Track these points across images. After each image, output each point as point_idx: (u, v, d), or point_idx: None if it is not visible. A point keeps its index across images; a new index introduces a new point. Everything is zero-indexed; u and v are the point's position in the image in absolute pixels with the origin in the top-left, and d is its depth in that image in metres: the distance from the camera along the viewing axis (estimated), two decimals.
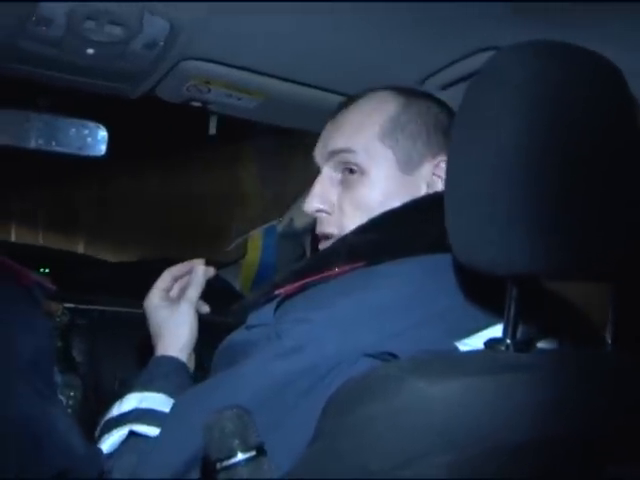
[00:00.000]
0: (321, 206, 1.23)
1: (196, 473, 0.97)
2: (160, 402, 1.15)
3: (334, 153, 1.22)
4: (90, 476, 1.01)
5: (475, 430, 0.79)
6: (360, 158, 1.19)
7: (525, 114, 0.80)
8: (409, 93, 1.25)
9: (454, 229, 0.88)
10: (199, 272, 1.34)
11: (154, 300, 1.30)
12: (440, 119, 1.23)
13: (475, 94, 0.88)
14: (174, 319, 1.28)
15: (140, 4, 1.20)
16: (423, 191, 1.19)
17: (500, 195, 0.81)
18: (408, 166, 1.19)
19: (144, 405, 1.15)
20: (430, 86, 1.48)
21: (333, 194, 1.23)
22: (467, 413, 0.79)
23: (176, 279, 1.36)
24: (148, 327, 1.32)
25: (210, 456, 0.78)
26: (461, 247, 0.88)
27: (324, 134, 1.27)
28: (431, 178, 1.20)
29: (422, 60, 1.41)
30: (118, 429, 1.13)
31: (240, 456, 0.76)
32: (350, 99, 1.27)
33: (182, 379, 1.22)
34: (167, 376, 1.22)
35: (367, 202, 1.18)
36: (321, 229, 1.25)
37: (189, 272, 1.36)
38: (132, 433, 1.11)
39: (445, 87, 1.47)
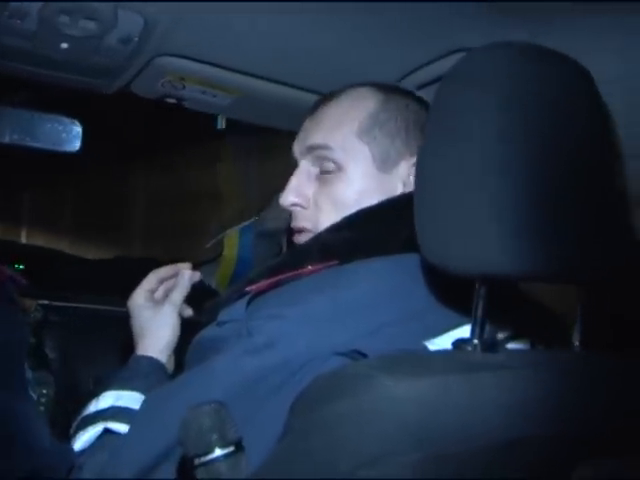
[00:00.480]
0: (296, 200, 1.23)
1: (166, 469, 0.97)
2: (137, 401, 1.15)
3: (312, 148, 1.22)
4: (60, 473, 1.00)
5: (442, 429, 0.79)
6: (337, 154, 1.19)
7: (495, 114, 0.81)
8: (389, 90, 1.25)
9: (422, 229, 0.88)
10: (185, 276, 1.35)
11: (138, 300, 1.31)
12: (420, 116, 1.22)
13: (446, 94, 0.88)
14: (157, 320, 1.29)
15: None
16: (399, 190, 1.20)
17: (469, 195, 0.82)
18: (385, 164, 1.19)
19: (120, 403, 1.16)
20: (407, 84, 1.48)
21: (309, 189, 1.23)
22: (434, 412, 0.79)
23: (162, 281, 1.36)
24: (127, 325, 1.33)
25: (188, 452, 0.77)
26: (429, 247, 0.88)
27: (303, 128, 1.27)
28: (407, 178, 1.20)
29: (397, 60, 1.42)
30: (93, 426, 1.13)
31: (218, 452, 0.76)
32: (330, 94, 1.27)
33: (160, 380, 1.22)
34: (146, 376, 1.22)
35: (343, 199, 1.19)
36: (295, 223, 1.25)
37: (175, 275, 1.36)
38: (107, 431, 1.12)
39: (420, 87, 1.47)
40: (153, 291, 1.34)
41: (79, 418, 1.16)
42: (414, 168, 1.15)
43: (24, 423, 0.94)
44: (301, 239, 1.24)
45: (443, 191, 0.85)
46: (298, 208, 1.24)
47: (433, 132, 0.89)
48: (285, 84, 1.53)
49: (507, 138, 0.80)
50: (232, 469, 0.75)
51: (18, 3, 1.18)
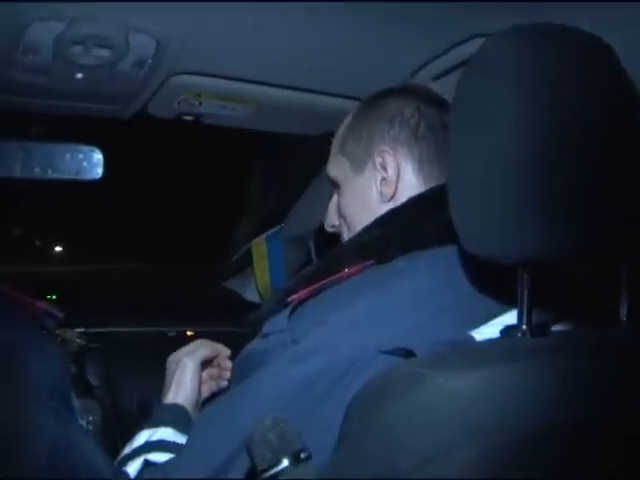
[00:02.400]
0: (332, 222, 1.34)
1: None
2: (169, 434, 1.19)
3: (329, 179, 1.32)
4: None
5: (499, 420, 0.78)
6: (331, 174, 1.30)
7: (521, 99, 0.80)
8: (371, 97, 1.29)
9: (460, 221, 0.88)
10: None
11: (189, 365, 1.35)
12: (392, 113, 1.23)
13: (468, 83, 0.88)
14: (195, 386, 1.35)
15: (125, 24, 1.20)
16: (377, 185, 1.22)
17: (504, 183, 0.81)
18: (358, 166, 1.25)
19: (155, 438, 1.19)
20: (422, 78, 1.48)
21: (336, 210, 1.32)
22: (490, 404, 0.79)
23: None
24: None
25: (256, 468, 0.77)
26: (468, 238, 0.87)
27: None
28: (380, 170, 1.22)
29: (412, 52, 1.41)
30: (132, 461, 1.15)
31: (285, 463, 0.75)
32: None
33: (189, 422, 1.25)
34: (176, 415, 1.27)
35: (343, 210, 1.28)
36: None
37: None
38: (147, 463, 1.14)
39: (437, 77, 1.47)
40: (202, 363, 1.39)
41: (117, 460, 1.18)
42: (380, 159, 1.21)
43: (84, 452, 0.95)
44: None
45: (476, 181, 0.84)
46: (335, 229, 1.35)
47: (460, 123, 0.89)
48: (302, 89, 1.54)
49: (536, 121, 0.80)
50: (302, 477, 0.75)
51: (31, 38, 1.19)
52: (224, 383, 1.45)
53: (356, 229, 1.21)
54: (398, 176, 1.20)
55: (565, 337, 0.96)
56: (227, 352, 1.46)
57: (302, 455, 0.76)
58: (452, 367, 0.80)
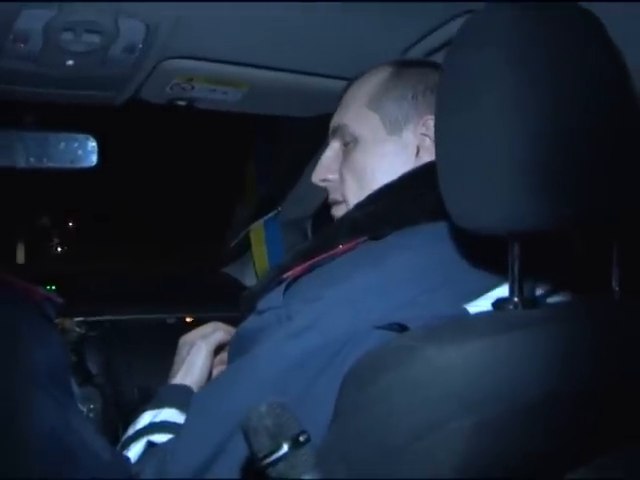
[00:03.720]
0: (325, 175, 1.32)
1: (226, 463, 0.98)
2: (173, 415, 1.19)
3: (335, 129, 1.30)
4: None
5: (492, 391, 0.79)
6: (352, 128, 1.26)
7: (508, 70, 0.81)
8: (403, 63, 1.30)
9: (449, 195, 0.88)
10: None
11: (202, 349, 1.35)
12: (431, 81, 1.24)
13: (455, 58, 0.88)
14: (205, 369, 1.34)
15: (114, 8, 1.20)
16: (414, 151, 1.22)
17: (489, 155, 0.82)
18: (394, 127, 1.24)
19: (158, 419, 1.19)
20: (413, 55, 1.48)
21: (336, 163, 1.30)
22: (482, 375, 0.79)
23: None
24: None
25: (257, 454, 0.77)
26: (458, 212, 0.88)
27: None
28: (421, 138, 1.23)
29: (403, 30, 1.41)
30: (135, 442, 1.16)
31: (285, 448, 0.75)
32: (352, 79, 1.33)
33: None
34: (181, 396, 1.26)
35: (361, 167, 1.25)
36: (330, 196, 1.33)
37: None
38: (150, 445, 1.15)
39: (429, 55, 1.47)
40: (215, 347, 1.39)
41: (121, 441, 1.19)
42: (424, 128, 1.22)
43: (83, 436, 0.95)
44: (336, 212, 1.31)
45: (463, 154, 0.85)
46: (328, 183, 1.32)
47: (446, 97, 0.89)
48: (293, 71, 1.54)
49: (522, 93, 0.80)
50: (304, 460, 0.75)
51: (21, 27, 1.19)
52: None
53: (372, 189, 1.20)
54: None
55: (557, 308, 0.97)
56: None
57: (301, 438, 0.76)
58: (444, 339, 0.81)
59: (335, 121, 1.31)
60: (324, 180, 1.33)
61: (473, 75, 0.84)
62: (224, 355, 1.41)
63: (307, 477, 0.75)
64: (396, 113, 1.24)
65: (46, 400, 0.89)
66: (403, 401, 0.79)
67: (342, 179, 1.28)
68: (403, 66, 1.28)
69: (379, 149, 1.24)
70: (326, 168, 1.32)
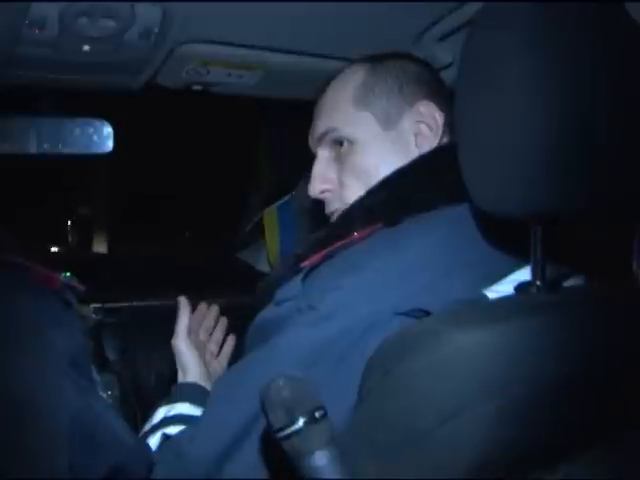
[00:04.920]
0: (323, 186, 1.28)
1: (248, 447, 0.98)
2: (186, 408, 1.23)
3: (321, 136, 1.28)
4: (142, 469, 1.02)
5: (516, 374, 0.79)
6: (344, 131, 1.24)
7: (529, 52, 0.80)
8: (376, 58, 1.28)
9: (471, 178, 0.88)
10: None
11: (179, 348, 1.40)
12: (410, 70, 1.26)
13: (475, 41, 0.87)
14: (194, 360, 1.39)
15: None
16: (412, 141, 1.22)
17: (512, 138, 0.81)
18: (389, 122, 1.23)
19: (172, 413, 1.22)
20: (428, 39, 1.47)
21: (332, 172, 1.27)
22: (507, 358, 0.79)
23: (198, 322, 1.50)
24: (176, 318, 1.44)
25: (272, 426, 0.77)
26: (480, 195, 0.88)
27: (312, 123, 1.32)
28: (416, 126, 1.22)
29: (417, 14, 1.40)
30: (151, 436, 1.18)
31: (302, 421, 0.75)
32: (324, 83, 1.31)
33: (206, 395, 1.27)
34: (191, 391, 1.30)
35: (362, 167, 1.22)
36: (328, 209, 1.30)
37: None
38: (166, 437, 1.16)
39: (443, 38, 1.46)
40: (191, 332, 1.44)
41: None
42: (418, 115, 1.22)
43: (106, 422, 0.96)
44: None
45: (486, 137, 0.84)
46: (327, 194, 1.29)
47: (467, 81, 0.89)
48: (308, 54, 1.53)
49: (544, 75, 0.79)
50: (318, 436, 0.75)
51: (37, 12, 1.19)
52: (216, 337, 1.53)
53: (363, 190, 1.19)
54: (438, 130, 1.21)
55: (579, 292, 0.97)
56: (201, 309, 1.54)
57: (317, 414, 0.76)
58: (468, 323, 0.81)
59: (320, 128, 1.28)
60: (323, 191, 1.29)
61: (494, 57, 0.83)
62: (197, 339, 1.46)
63: (320, 453, 0.74)
64: (387, 107, 1.23)
65: (68, 385, 0.90)
66: (428, 385, 0.79)
67: (342, 185, 1.25)
68: (376, 61, 1.27)
69: (378, 146, 1.22)
70: (322, 179, 1.28)
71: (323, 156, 1.29)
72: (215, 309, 1.57)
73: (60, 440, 0.85)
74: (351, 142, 1.23)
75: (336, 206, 1.27)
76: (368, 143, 1.23)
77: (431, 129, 1.21)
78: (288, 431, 0.75)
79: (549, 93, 0.79)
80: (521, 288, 0.89)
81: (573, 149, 0.80)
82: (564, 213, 0.84)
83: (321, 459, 0.74)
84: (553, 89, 0.79)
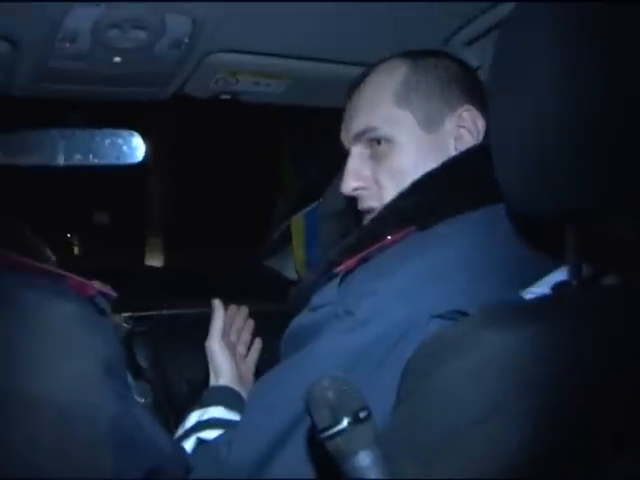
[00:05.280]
0: (357, 184, 1.26)
1: (289, 452, 0.99)
2: (220, 412, 1.22)
3: (358, 135, 1.25)
4: (179, 472, 1.03)
5: (552, 375, 0.79)
6: (383, 130, 1.22)
7: (563, 55, 0.80)
8: (416, 54, 1.26)
9: (506, 180, 0.88)
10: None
11: (213, 349, 1.41)
12: (452, 72, 1.24)
13: (508, 42, 0.88)
14: (227, 363, 1.40)
15: (161, 5, 1.21)
16: (452, 145, 1.20)
17: (547, 139, 0.81)
18: (430, 124, 1.21)
19: (205, 417, 1.22)
20: (455, 44, 1.48)
21: (366, 169, 1.25)
22: (543, 359, 0.79)
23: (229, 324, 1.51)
24: (206, 325, 1.45)
25: (316, 427, 0.77)
26: (514, 196, 0.88)
27: (345, 117, 1.30)
28: (457, 131, 1.21)
29: (445, 19, 1.41)
30: (185, 441, 1.18)
31: (346, 422, 0.75)
32: (361, 76, 1.29)
33: (238, 399, 1.29)
34: (223, 395, 1.31)
35: (400, 169, 1.20)
36: (362, 205, 1.28)
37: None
38: (200, 442, 1.17)
39: (470, 42, 1.46)
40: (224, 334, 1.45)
41: None
42: (460, 120, 1.20)
43: (144, 427, 0.96)
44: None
45: (519, 137, 0.84)
46: (361, 191, 1.27)
47: (500, 82, 0.89)
48: (336, 62, 1.54)
49: (576, 75, 0.79)
50: (362, 437, 0.75)
51: (69, 26, 1.21)
52: (244, 338, 1.54)
53: (399, 190, 1.18)
54: (478, 135, 1.19)
55: (615, 291, 0.96)
56: (233, 311, 1.56)
57: (361, 414, 0.76)
58: (504, 324, 0.81)
59: (358, 125, 1.25)
60: (356, 189, 1.27)
61: (527, 58, 0.83)
62: (228, 341, 1.46)
63: (364, 453, 0.74)
64: (428, 109, 1.21)
65: (107, 391, 0.91)
66: (465, 386, 0.79)
67: (379, 184, 1.23)
68: (417, 58, 1.25)
69: (417, 148, 1.20)
70: (356, 176, 1.26)
71: (358, 153, 1.26)
72: (245, 310, 1.58)
73: (103, 444, 0.86)
74: (389, 142, 1.21)
75: (371, 204, 1.25)
76: (407, 145, 1.20)
77: (472, 134, 1.20)
78: (332, 431, 0.75)
79: (581, 93, 0.79)
80: (558, 288, 0.89)
81: (605, 148, 0.80)
82: (598, 212, 0.84)
83: (364, 459, 0.74)
84: (585, 88, 0.79)
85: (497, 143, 0.89)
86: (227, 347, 1.41)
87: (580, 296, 0.86)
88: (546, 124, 0.81)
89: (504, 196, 0.88)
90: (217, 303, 1.48)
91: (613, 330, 0.83)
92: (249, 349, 1.54)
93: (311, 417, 0.77)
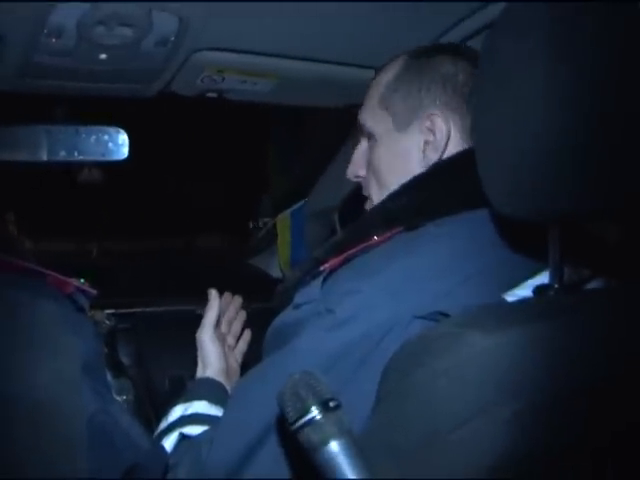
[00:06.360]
0: (356, 172, 1.33)
1: (268, 450, 0.99)
2: (204, 407, 1.22)
3: (361, 127, 1.30)
4: (158, 471, 1.02)
5: (535, 377, 0.79)
6: (368, 126, 1.26)
7: (549, 57, 0.80)
8: (418, 52, 1.25)
9: (488, 181, 0.88)
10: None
11: (203, 340, 1.40)
12: (441, 72, 1.22)
13: (495, 45, 0.88)
14: (215, 354, 1.39)
15: (147, 2, 1.20)
16: (421, 147, 1.20)
17: (530, 142, 0.82)
18: (402, 124, 1.22)
19: (189, 412, 1.21)
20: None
21: (364, 160, 1.30)
22: (526, 361, 0.80)
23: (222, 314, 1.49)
24: (193, 322, 1.43)
25: (288, 419, 0.77)
26: (498, 198, 0.88)
27: None
28: (426, 132, 1.20)
29: (434, 18, 1.40)
30: (168, 435, 1.18)
31: (315, 411, 0.76)
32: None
33: (223, 393, 1.29)
34: (208, 388, 1.30)
35: (377, 165, 1.25)
36: (364, 191, 1.33)
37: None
38: (183, 437, 1.16)
39: (461, 42, 1.46)
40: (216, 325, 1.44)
41: (154, 436, 1.21)
42: (429, 123, 1.19)
43: (122, 425, 0.96)
44: (367, 206, 1.31)
45: (504, 141, 0.85)
46: (360, 179, 1.33)
47: (484, 86, 0.89)
48: (323, 61, 1.54)
49: (562, 79, 0.80)
50: (332, 426, 0.75)
51: (55, 21, 1.20)
52: (235, 329, 1.54)
53: (389, 187, 1.20)
54: (446, 142, 1.18)
55: (597, 294, 0.97)
56: (228, 301, 1.55)
57: (331, 404, 0.76)
58: (488, 326, 0.81)
59: (360, 117, 1.30)
60: (356, 176, 1.34)
61: (512, 61, 0.84)
62: (218, 332, 1.45)
63: (335, 443, 0.74)
64: (402, 109, 1.22)
65: (85, 389, 0.90)
66: (447, 387, 0.79)
67: (367, 176, 1.30)
68: (415, 56, 1.25)
69: (391, 147, 1.23)
70: (356, 164, 1.33)
71: (362, 144, 1.32)
72: (239, 301, 1.58)
73: (79, 443, 0.86)
74: (372, 138, 1.26)
75: (365, 192, 1.31)
76: (384, 143, 1.24)
77: (439, 139, 1.18)
78: (302, 421, 0.75)
79: (567, 97, 0.80)
80: (539, 291, 0.89)
81: (588, 150, 0.80)
82: (580, 214, 0.84)
83: (335, 448, 0.74)
84: (571, 93, 0.80)
85: (480, 145, 0.90)
86: (217, 339, 1.41)
87: (561, 299, 0.87)
88: (528, 127, 0.82)
89: (487, 198, 0.89)
90: (214, 294, 1.47)
91: (593, 333, 0.83)
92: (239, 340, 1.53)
93: (283, 411, 0.77)
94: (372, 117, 1.26)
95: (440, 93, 1.20)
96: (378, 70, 1.30)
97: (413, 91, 1.21)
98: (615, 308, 0.88)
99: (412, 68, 1.23)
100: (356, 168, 1.33)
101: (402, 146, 1.22)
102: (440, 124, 1.18)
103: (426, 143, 1.20)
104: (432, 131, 1.19)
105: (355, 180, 1.35)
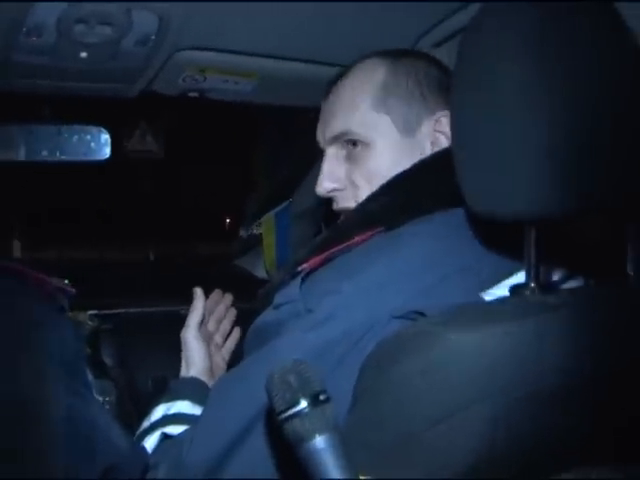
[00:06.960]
0: (332, 185, 1.25)
1: (250, 445, 0.98)
2: (186, 407, 1.21)
3: (335, 138, 1.24)
4: (136, 471, 1.02)
5: (511, 376, 0.80)
6: (360, 134, 1.21)
7: (525, 56, 0.80)
8: (395, 55, 1.25)
9: (465, 181, 0.89)
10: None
11: (188, 339, 1.40)
12: (431, 75, 1.22)
13: (471, 45, 0.88)
14: (200, 354, 1.39)
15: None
16: (428, 150, 1.20)
17: (506, 141, 0.82)
18: (408, 129, 1.20)
19: (172, 411, 1.21)
20: (423, 45, 1.48)
21: (341, 171, 1.25)
22: (501, 360, 0.80)
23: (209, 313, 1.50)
24: (176, 323, 1.43)
25: (275, 410, 0.76)
26: (474, 198, 0.88)
27: (322, 117, 1.29)
28: (434, 135, 1.20)
29: (414, 20, 1.41)
30: (150, 435, 1.17)
31: (304, 403, 0.74)
32: (338, 76, 1.27)
33: (206, 392, 1.26)
34: (192, 388, 1.30)
35: (377, 172, 1.20)
36: (337, 206, 1.27)
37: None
38: (165, 436, 1.16)
39: (439, 44, 1.47)
40: (201, 324, 1.44)
41: (136, 434, 1.21)
42: (438, 125, 1.18)
43: (100, 425, 0.96)
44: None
45: (480, 140, 0.85)
46: (336, 193, 1.26)
47: (462, 84, 0.89)
48: (304, 61, 1.54)
49: (539, 78, 0.80)
50: (320, 420, 0.74)
51: (34, 20, 1.19)
52: (223, 328, 1.53)
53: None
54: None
55: (573, 293, 0.97)
56: (215, 299, 1.54)
57: (321, 397, 0.75)
58: (463, 324, 0.82)
59: (336, 128, 1.24)
60: (331, 190, 1.26)
61: (490, 60, 0.84)
62: (205, 331, 1.46)
63: (321, 438, 0.73)
64: (407, 113, 1.20)
65: (62, 388, 0.90)
66: (423, 386, 0.79)
67: (354, 185, 1.23)
68: (395, 59, 1.23)
69: (393, 152, 1.20)
70: (331, 177, 1.25)
71: (333, 154, 1.26)
72: (229, 298, 1.57)
73: (56, 443, 0.86)
74: (366, 145, 1.21)
75: (346, 205, 1.25)
76: (384, 148, 1.20)
77: (448, 139, 1.16)
78: (290, 412, 0.74)
79: (543, 96, 0.80)
80: (515, 290, 0.90)
81: (566, 151, 0.81)
82: (556, 214, 0.84)
83: (320, 444, 0.73)
84: (547, 92, 0.80)
85: (456, 144, 0.90)
86: (202, 337, 1.41)
87: (537, 298, 0.87)
88: (505, 126, 0.82)
89: (464, 197, 0.89)
90: (199, 292, 1.46)
91: (568, 333, 0.83)
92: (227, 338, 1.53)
93: (270, 399, 0.77)
94: (366, 124, 1.20)
95: (439, 95, 1.21)
96: (343, 76, 1.26)
97: (415, 93, 1.20)
98: (592, 307, 0.88)
99: (401, 69, 1.22)
100: (331, 181, 1.25)
101: (407, 150, 1.20)
102: (447, 124, 1.16)
103: (432, 144, 1.20)
104: (441, 132, 1.19)
105: (328, 195, 1.27)
